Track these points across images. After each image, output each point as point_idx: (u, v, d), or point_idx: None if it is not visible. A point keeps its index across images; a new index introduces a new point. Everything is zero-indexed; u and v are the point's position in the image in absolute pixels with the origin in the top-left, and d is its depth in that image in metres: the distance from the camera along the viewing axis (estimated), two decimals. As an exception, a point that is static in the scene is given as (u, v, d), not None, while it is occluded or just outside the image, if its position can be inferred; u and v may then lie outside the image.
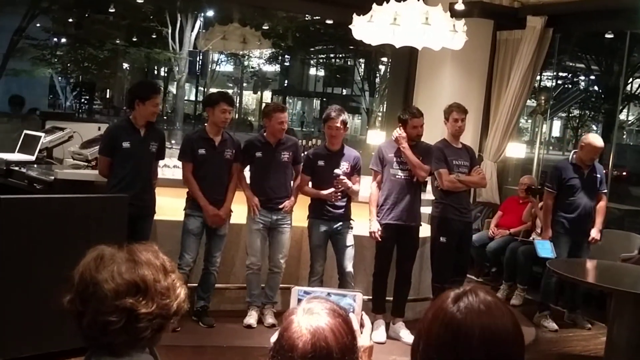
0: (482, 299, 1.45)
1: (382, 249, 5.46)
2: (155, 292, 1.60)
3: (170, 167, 5.69)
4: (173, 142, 6.25)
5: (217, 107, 5.26)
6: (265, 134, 5.47)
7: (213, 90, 23.17)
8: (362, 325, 1.86)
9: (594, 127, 23.81)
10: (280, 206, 5.37)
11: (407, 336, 5.35)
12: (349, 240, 5.41)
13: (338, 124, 5.30)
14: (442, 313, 1.44)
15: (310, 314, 1.50)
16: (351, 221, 5.46)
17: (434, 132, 5.82)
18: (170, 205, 5.40)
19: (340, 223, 5.39)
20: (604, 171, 6.29)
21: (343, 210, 5.41)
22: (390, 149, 5.45)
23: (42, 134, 6.77)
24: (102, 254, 1.62)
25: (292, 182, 5.54)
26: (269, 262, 5.40)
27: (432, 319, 1.46)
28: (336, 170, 5.33)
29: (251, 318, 5.41)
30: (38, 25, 24.66)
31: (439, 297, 1.51)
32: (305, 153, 5.76)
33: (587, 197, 6.00)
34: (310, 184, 5.48)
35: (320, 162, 5.39)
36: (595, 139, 6.11)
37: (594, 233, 5.97)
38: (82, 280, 1.59)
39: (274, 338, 1.57)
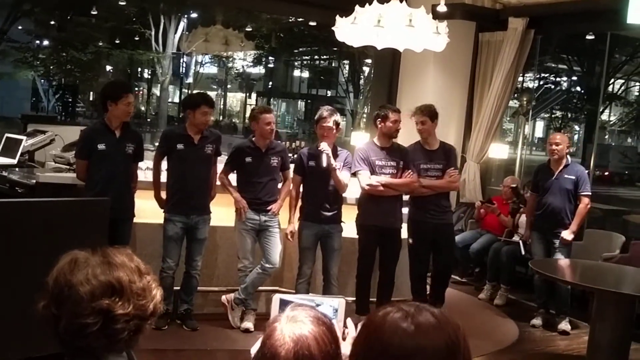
0: (424, 320, 1.37)
1: (365, 250, 5.46)
2: (131, 293, 1.59)
3: (151, 169, 5.64)
4: (157, 144, 6.21)
5: (197, 109, 5.21)
6: (254, 138, 5.43)
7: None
8: (344, 337, 1.85)
9: (577, 128, 23.99)
10: (268, 208, 5.36)
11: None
12: (338, 243, 5.41)
13: (330, 124, 5.28)
14: (377, 338, 1.37)
15: (294, 322, 1.48)
16: (342, 223, 5.45)
17: (417, 134, 5.82)
18: (151, 208, 5.36)
19: (331, 226, 5.38)
20: (587, 171, 6.30)
21: (334, 213, 5.39)
22: (373, 153, 5.44)
23: (24, 137, 6.72)
24: (76, 258, 1.61)
25: (279, 185, 5.53)
26: (265, 262, 5.34)
27: (364, 341, 1.40)
28: (322, 148, 5.21)
29: (248, 322, 5.39)
30: (20, 27, 24.52)
31: (374, 315, 1.43)
32: (298, 153, 5.72)
33: (555, 196, 6.06)
34: (301, 186, 5.44)
35: (312, 163, 5.36)
36: (551, 135, 6.46)
37: (564, 234, 5.98)
38: (57, 284, 1.58)
39: (254, 349, 1.56)
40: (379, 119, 5.45)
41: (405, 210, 5.65)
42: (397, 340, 1.34)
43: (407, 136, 5.78)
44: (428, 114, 5.59)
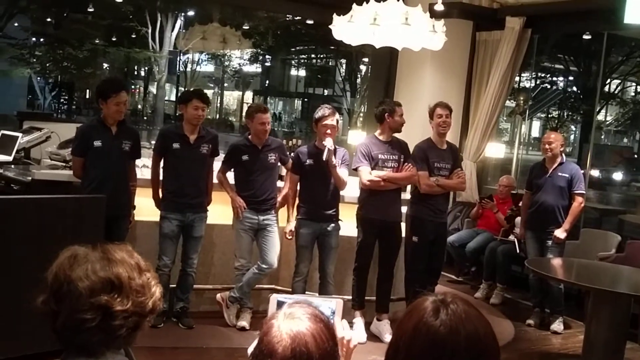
0: (462, 309, 1.44)
1: (364, 243, 5.45)
2: (130, 290, 1.59)
3: (148, 167, 5.63)
4: (153, 142, 6.22)
5: (189, 104, 5.21)
6: (250, 136, 5.42)
7: (193, 90, 23.03)
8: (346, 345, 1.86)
9: (573, 128, 24.03)
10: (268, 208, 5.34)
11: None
12: (335, 242, 5.40)
13: (333, 122, 5.26)
14: (425, 328, 1.42)
15: (292, 319, 1.49)
16: (339, 221, 5.44)
17: (414, 132, 5.83)
18: (147, 206, 5.35)
19: (330, 224, 5.37)
20: (582, 171, 6.31)
21: (333, 211, 5.38)
22: (376, 147, 5.42)
23: (20, 134, 6.71)
24: (76, 253, 1.61)
25: (279, 183, 5.50)
26: (261, 262, 5.34)
27: (413, 333, 1.44)
28: (326, 144, 5.18)
29: (244, 320, 5.38)
30: (16, 24, 24.47)
31: (416, 307, 1.48)
32: (295, 151, 5.69)
33: (548, 194, 6.07)
34: (299, 185, 5.42)
35: (310, 161, 5.34)
36: (546, 133, 6.61)
37: (557, 232, 6.00)
38: (56, 279, 1.58)
39: (251, 349, 1.56)
40: (387, 114, 5.44)
41: (403, 208, 5.65)
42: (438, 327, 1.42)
43: (408, 132, 5.76)
44: (449, 109, 5.65)
